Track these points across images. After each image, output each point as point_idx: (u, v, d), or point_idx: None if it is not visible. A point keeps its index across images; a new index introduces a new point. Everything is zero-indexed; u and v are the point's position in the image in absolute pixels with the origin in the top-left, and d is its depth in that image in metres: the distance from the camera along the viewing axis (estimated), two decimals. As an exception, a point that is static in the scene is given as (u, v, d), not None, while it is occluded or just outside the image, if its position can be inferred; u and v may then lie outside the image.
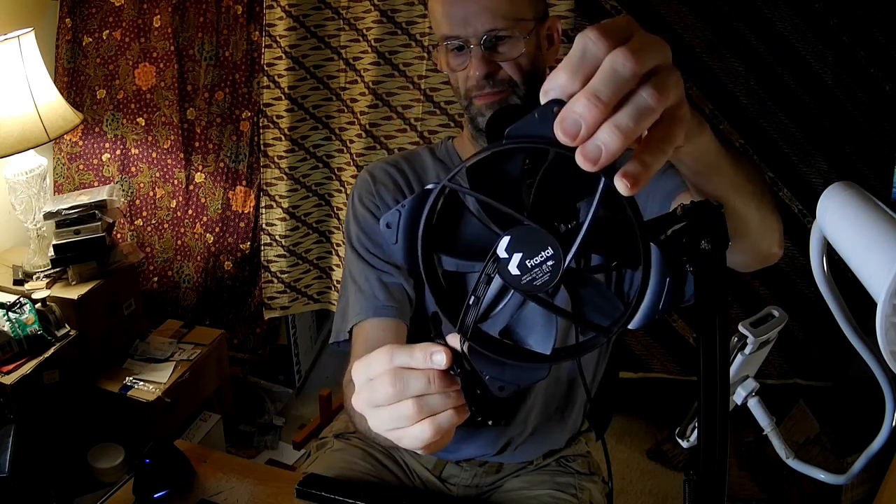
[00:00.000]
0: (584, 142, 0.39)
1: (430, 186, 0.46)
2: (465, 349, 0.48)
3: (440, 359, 0.49)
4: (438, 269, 0.48)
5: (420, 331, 1.07)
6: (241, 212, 2.31)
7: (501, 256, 0.44)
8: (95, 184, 2.31)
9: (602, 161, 0.39)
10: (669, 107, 0.41)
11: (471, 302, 0.46)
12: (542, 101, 0.41)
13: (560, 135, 0.39)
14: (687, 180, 0.67)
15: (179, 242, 2.37)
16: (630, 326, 0.47)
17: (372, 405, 0.52)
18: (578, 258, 0.45)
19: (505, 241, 0.44)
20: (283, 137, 2.15)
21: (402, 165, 1.10)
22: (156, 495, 0.99)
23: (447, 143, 1.13)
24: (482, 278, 0.46)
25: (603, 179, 0.41)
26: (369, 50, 2.02)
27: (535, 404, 1.08)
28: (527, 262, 0.44)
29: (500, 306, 0.48)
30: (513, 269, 0.44)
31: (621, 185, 0.40)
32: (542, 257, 0.44)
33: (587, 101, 0.38)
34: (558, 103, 0.40)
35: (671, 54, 0.41)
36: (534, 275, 0.44)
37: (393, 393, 0.50)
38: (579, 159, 0.40)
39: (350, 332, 1.02)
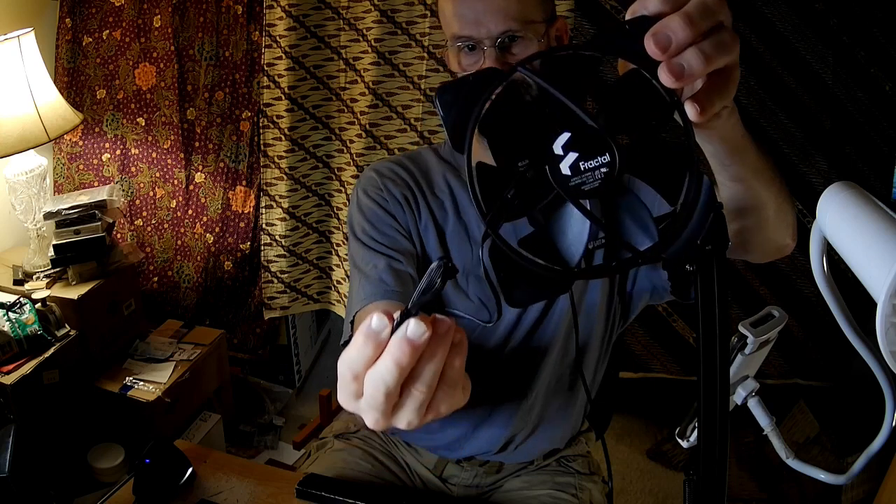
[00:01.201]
0: (671, 57, 0.42)
1: (496, 70, 0.45)
2: (487, 248, 0.45)
3: (378, 324, 0.42)
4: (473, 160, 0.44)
5: None
6: (241, 212, 2.31)
7: (556, 153, 0.43)
8: (95, 184, 2.31)
9: (683, 79, 0.42)
10: (728, 64, 0.45)
11: (509, 195, 0.44)
12: (629, 16, 0.44)
13: (651, 46, 0.42)
14: (715, 162, 0.67)
15: (179, 242, 2.37)
16: (664, 255, 0.45)
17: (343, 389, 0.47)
18: (632, 171, 0.44)
19: (565, 136, 0.42)
20: (283, 137, 2.15)
21: (407, 164, 1.10)
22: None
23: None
24: (528, 172, 0.44)
25: (675, 100, 0.42)
26: (369, 50, 2.02)
27: (537, 402, 1.08)
28: (581, 163, 0.42)
29: (537, 207, 0.45)
30: (564, 168, 0.43)
31: (692, 109, 0.43)
32: (597, 162, 0.42)
33: (682, 21, 0.41)
34: (649, 20, 0.42)
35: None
36: (584, 178, 0.43)
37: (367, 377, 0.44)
38: (662, 72, 0.42)
39: (353, 322, 0.96)
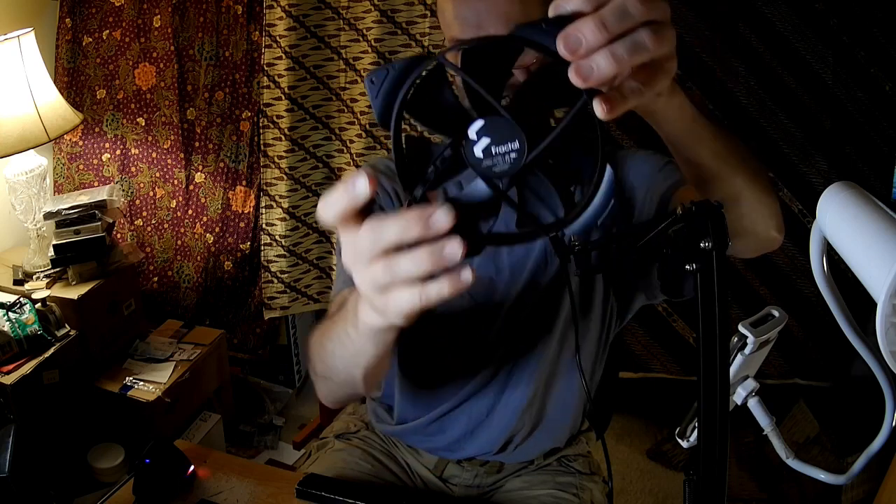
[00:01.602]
0: (581, 59, 0.43)
1: (423, 56, 0.49)
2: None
3: (362, 185, 0.45)
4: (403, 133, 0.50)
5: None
6: (241, 212, 2.31)
7: (470, 137, 0.47)
8: (95, 184, 2.31)
9: (591, 80, 0.44)
10: (659, 57, 0.46)
11: (429, 171, 0.50)
12: (551, 13, 0.45)
13: (561, 47, 0.43)
14: (669, 145, 0.70)
15: (179, 242, 2.37)
16: (566, 231, 0.50)
17: (357, 272, 0.48)
18: (541, 159, 0.48)
19: (478, 123, 0.47)
20: (283, 137, 2.15)
21: None
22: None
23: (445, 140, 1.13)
24: (446, 152, 0.49)
25: (584, 96, 0.46)
26: (369, 50, 2.02)
27: (535, 401, 1.08)
28: (492, 148, 0.47)
29: (453, 180, 0.51)
30: (477, 151, 0.47)
31: (599, 108, 0.45)
32: (507, 148, 0.47)
33: (594, 25, 0.43)
34: (568, 19, 0.44)
35: (671, 16, 0.47)
36: (495, 161, 0.47)
37: (378, 266, 0.46)
38: (572, 73, 0.44)
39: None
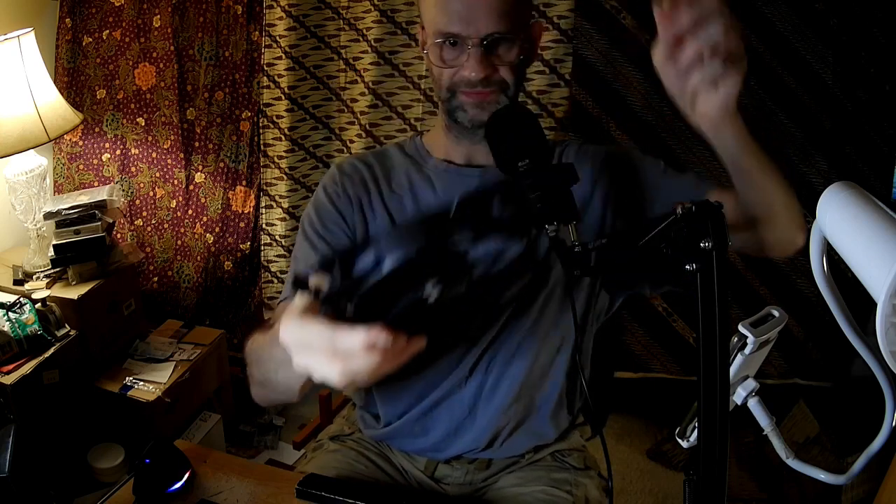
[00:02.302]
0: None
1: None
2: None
3: (384, 342, 0.57)
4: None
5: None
6: (241, 212, 2.31)
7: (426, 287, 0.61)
8: (95, 184, 2.31)
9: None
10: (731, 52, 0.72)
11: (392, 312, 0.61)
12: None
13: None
14: (728, 155, 0.83)
15: (179, 242, 2.37)
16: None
17: (310, 369, 0.61)
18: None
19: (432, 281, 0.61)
20: (283, 137, 2.15)
21: (371, 161, 1.12)
22: (170, 489, 1.00)
23: (416, 139, 1.14)
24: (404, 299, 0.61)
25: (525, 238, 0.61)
26: (369, 50, 2.02)
27: (517, 397, 1.08)
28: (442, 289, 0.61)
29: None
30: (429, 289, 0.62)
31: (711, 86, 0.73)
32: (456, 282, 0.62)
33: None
34: None
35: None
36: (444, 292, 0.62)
37: (335, 369, 0.59)
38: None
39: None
